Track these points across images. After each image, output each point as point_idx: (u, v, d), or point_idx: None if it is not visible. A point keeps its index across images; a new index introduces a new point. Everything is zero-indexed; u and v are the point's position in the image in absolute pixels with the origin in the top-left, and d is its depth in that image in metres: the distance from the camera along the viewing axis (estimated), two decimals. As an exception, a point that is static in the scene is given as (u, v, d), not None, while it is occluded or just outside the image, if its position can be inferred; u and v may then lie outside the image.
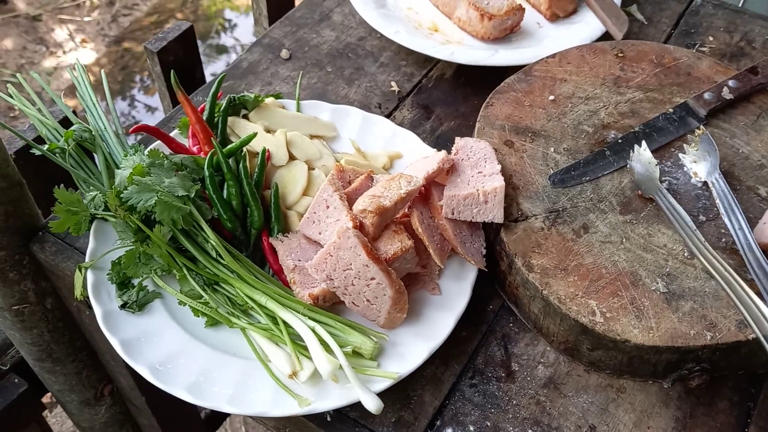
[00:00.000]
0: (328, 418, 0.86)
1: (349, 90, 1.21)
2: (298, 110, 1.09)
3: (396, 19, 1.25)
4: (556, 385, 0.89)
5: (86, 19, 3.72)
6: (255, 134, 0.96)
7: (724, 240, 0.89)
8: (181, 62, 1.37)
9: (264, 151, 0.98)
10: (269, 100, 1.08)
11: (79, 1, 3.81)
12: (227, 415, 2.05)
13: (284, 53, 1.25)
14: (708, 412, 0.87)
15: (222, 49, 3.67)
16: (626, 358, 0.85)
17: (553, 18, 1.27)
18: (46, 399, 2.32)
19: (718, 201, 0.91)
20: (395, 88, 1.21)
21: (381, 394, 0.82)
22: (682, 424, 0.86)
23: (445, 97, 1.20)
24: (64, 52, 3.54)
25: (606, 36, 1.21)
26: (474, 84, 1.21)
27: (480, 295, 0.95)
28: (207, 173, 0.93)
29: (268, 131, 1.03)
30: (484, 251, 0.94)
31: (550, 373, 0.90)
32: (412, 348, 0.87)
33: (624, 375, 0.88)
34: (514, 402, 0.87)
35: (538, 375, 0.90)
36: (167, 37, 1.34)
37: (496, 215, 0.90)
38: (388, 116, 1.17)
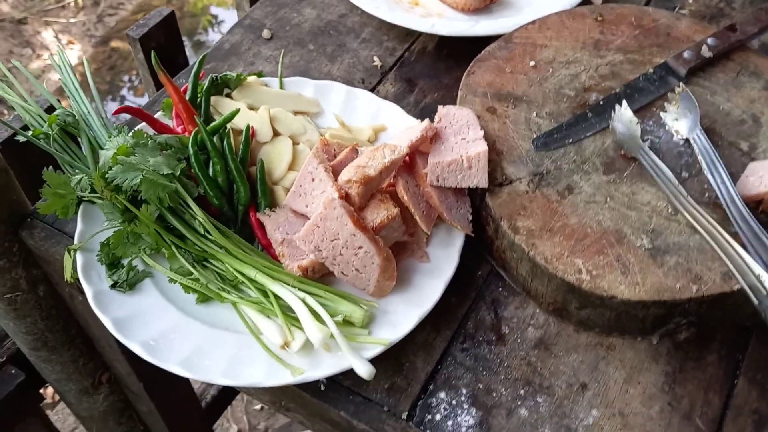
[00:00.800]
0: (322, 388, 0.87)
1: (332, 67, 1.21)
2: (281, 88, 1.10)
3: (376, -5, 1.25)
4: (547, 346, 0.90)
5: (72, 20, 3.71)
6: (238, 110, 0.96)
7: (707, 195, 0.90)
8: (163, 48, 1.37)
9: (248, 127, 0.98)
10: (252, 78, 1.08)
11: (64, 3, 3.80)
12: (228, 402, 2.06)
13: (266, 33, 1.25)
14: (697, 366, 0.88)
15: (209, 46, 3.67)
16: (614, 315, 0.86)
17: (533, -13, 1.27)
18: (48, 399, 2.33)
19: (700, 157, 0.92)
20: (378, 62, 1.21)
21: (373, 362, 0.83)
22: (672, 379, 0.87)
23: (428, 69, 1.20)
24: (51, 54, 3.53)
25: (586, 3, 1.21)
26: (456, 56, 1.21)
27: (469, 261, 0.96)
28: (192, 151, 0.93)
29: (251, 109, 1.04)
30: (471, 217, 0.94)
31: (540, 334, 0.91)
32: (403, 315, 0.88)
33: (613, 333, 0.89)
34: (506, 364, 0.88)
35: (529, 337, 0.90)
36: (148, 23, 1.34)
37: (481, 180, 0.91)
38: (371, 91, 1.17)
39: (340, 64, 1.21)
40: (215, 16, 3.89)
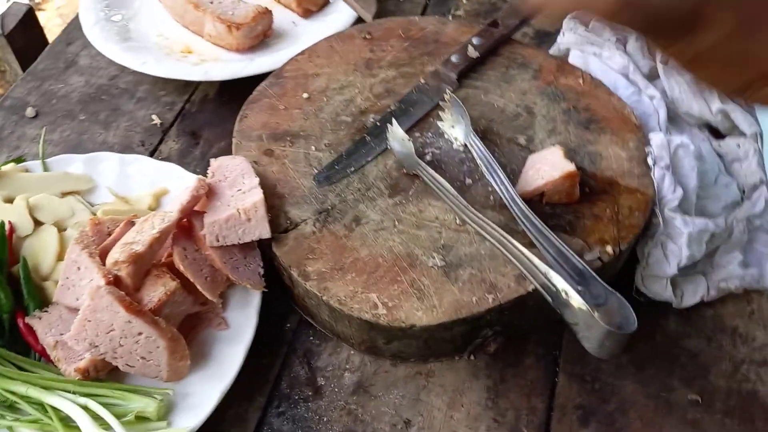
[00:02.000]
0: (128, 496, 0.78)
1: (107, 134, 1.12)
2: (45, 170, 1.00)
3: (144, 50, 1.17)
4: (365, 389, 0.85)
5: None
6: (-23, 210, 0.87)
7: (492, 198, 0.88)
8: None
9: (2, 224, 0.88)
10: (8, 166, 0.98)
11: None
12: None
13: (29, 111, 1.15)
14: (517, 372, 0.86)
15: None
16: (421, 342, 0.82)
17: (307, 14, 1.23)
18: None
19: (479, 161, 0.90)
20: (157, 120, 1.13)
21: (182, 453, 0.76)
22: (494, 392, 0.84)
23: (212, 118, 1.14)
24: None
25: (360, 22, 1.19)
26: (239, 98, 1.13)
27: (277, 314, 0.90)
28: (-67, 266, 0.82)
29: (9, 201, 0.94)
30: (262, 271, 0.88)
31: (357, 377, 0.86)
32: (203, 394, 0.81)
33: (429, 359, 0.86)
34: (325, 419, 0.83)
35: (346, 383, 0.85)
36: None
37: (262, 231, 0.85)
38: (153, 152, 1.09)
39: (116, 130, 1.13)
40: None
